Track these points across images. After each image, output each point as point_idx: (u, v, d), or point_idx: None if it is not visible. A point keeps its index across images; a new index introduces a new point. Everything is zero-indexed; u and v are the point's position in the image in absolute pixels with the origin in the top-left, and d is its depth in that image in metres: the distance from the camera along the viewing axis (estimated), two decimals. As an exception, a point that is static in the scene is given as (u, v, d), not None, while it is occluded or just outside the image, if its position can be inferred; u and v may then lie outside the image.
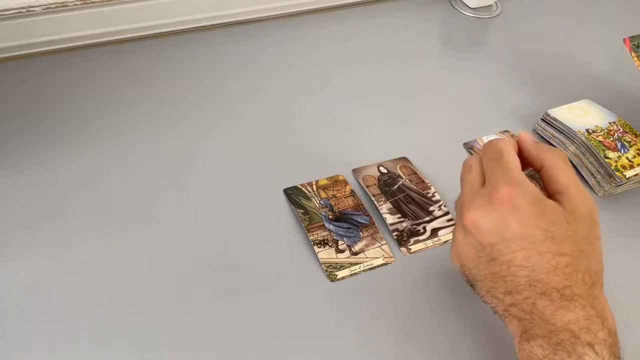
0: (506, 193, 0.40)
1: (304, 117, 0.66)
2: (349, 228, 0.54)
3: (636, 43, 0.62)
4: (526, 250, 0.39)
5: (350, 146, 0.63)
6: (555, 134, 0.64)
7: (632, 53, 0.62)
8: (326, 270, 0.51)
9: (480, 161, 0.45)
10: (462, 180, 0.45)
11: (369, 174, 0.60)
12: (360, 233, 0.54)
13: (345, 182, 0.59)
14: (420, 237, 0.55)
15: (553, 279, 0.38)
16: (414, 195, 0.58)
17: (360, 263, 0.52)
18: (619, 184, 0.59)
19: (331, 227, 0.54)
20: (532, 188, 0.41)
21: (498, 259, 0.40)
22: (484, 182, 0.43)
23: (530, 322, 0.39)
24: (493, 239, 0.40)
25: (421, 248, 0.54)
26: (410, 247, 0.54)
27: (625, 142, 0.61)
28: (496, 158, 0.42)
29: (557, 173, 0.42)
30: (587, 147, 0.61)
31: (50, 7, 0.67)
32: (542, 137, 0.65)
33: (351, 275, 0.51)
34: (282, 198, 0.57)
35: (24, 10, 0.66)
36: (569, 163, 0.43)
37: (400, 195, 0.58)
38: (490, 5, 0.87)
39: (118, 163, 0.59)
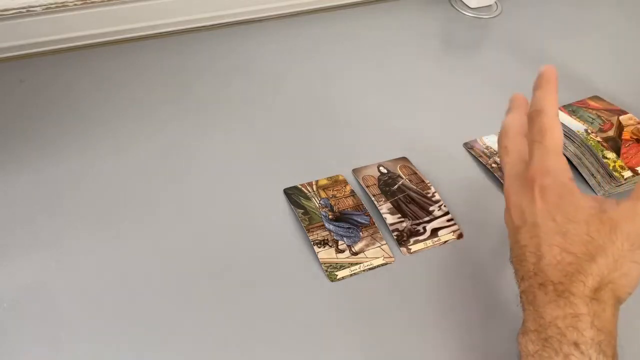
0: (537, 181, 0.41)
1: (303, 117, 0.66)
2: (349, 228, 0.55)
3: (571, 109, 0.65)
4: (538, 238, 0.40)
5: (350, 146, 0.63)
6: (555, 134, 0.64)
7: (572, 117, 0.64)
8: (326, 270, 0.51)
9: (515, 140, 0.46)
10: (501, 161, 0.46)
11: (369, 174, 0.60)
12: (360, 233, 0.54)
13: (345, 182, 0.59)
14: (420, 237, 0.55)
15: (553, 272, 0.39)
16: (414, 195, 0.58)
17: (360, 263, 0.52)
18: (619, 184, 0.59)
19: (331, 227, 0.54)
20: (564, 180, 0.41)
21: (519, 243, 0.42)
22: (523, 161, 0.44)
23: (528, 314, 0.39)
24: (519, 222, 0.42)
25: (421, 248, 0.54)
26: (410, 247, 0.54)
27: None
28: (538, 140, 0.43)
29: None
30: (587, 147, 0.61)
31: (50, 7, 0.67)
32: (542, 137, 0.65)
33: (351, 275, 0.51)
34: (282, 198, 0.57)
35: (24, 10, 0.66)
36: None
37: (400, 195, 0.58)
38: (490, 5, 0.87)
39: (117, 163, 0.59)
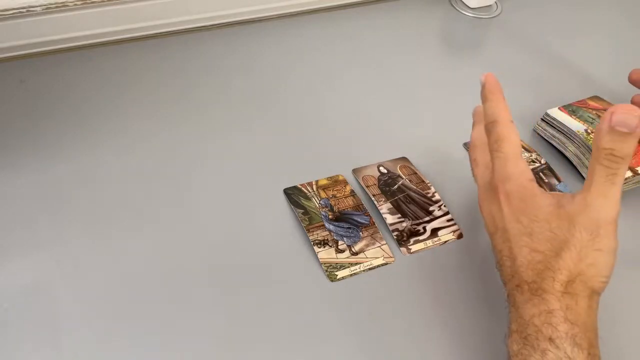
0: (500, 188, 0.43)
1: (303, 117, 0.66)
2: (349, 228, 0.55)
3: (571, 109, 0.65)
4: (509, 242, 0.42)
5: (350, 146, 0.63)
6: (555, 134, 0.64)
7: (572, 117, 0.64)
8: (326, 270, 0.51)
9: (483, 151, 0.48)
10: (473, 174, 0.49)
11: (369, 174, 0.60)
12: (360, 233, 0.54)
13: (345, 182, 0.59)
14: (420, 237, 0.55)
15: (526, 272, 0.40)
16: (414, 195, 0.58)
17: (360, 263, 0.52)
18: (619, 184, 0.59)
19: (331, 227, 0.54)
20: (524, 182, 0.43)
21: (496, 248, 0.44)
22: (490, 171, 0.46)
23: (511, 316, 0.41)
24: (492, 229, 0.44)
25: (421, 248, 0.54)
26: (410, 247, 0.54)
27: None
28: (495, 149, 0.44)
29: (593, 171, 0.40)
30: (587, 147, 0.61)
31: (50, 7, 0.67)
32: (542, 137, 0.65)
33: (351, 275, 0.51)
34: (282, 198, 0.57)
35: (24, 10, 0.66)
36: (616, 169, 0.39)
37: (400, 195, 0.58)
38: (490, 5, 0.87)
39: (118, 163, 0.59)
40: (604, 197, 0.39)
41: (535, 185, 0.43)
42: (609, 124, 0.37)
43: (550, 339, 0.37)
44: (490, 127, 0.45)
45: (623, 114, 0.37)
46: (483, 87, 0.47)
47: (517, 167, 0.43)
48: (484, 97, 0.47)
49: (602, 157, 0.39)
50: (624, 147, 0.38)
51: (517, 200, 0.42)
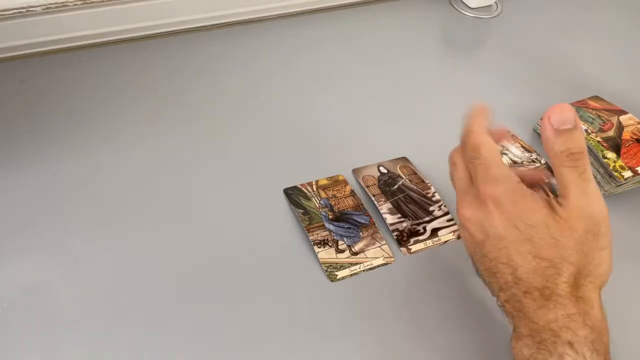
0: (488, 193, 0.41)
1: (304, 117, 0.66)
2: (349, 228, 0.55)
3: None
4: (507, 249, 0.40)
5: (350, 146, 0.63)
6: (555, 134, 0.64)
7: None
8: (326, 270, 0.51)
9: (463, 156, 0.45)
10: (451, 178, 0.46)
11: (369, 174, 0.60)
12: (360, 233, 0.54)
13: (345, 182, 0.59)
14: (420, 237, 0.55)
15: (534, 278, 0.39)
16: (414, 195, 0.58)
17: (360, 263, 0.52)
18: (619, 184, 0.59)
19: (331, 227, 0.54)
20: (513, 185, 0.41)
21: (487, 256, 0.42)
22: (471, 177, 0.44)
23: (518, 320, 0.40)
24: (481, 236, 0.42)
25: (421, 248, 0.54)
26: (410, 247, 0.54)
27: None
28: (474, 157, 0.43)
29: (562, 175, 0.40)
30: (587, 147, 0.61)
31: (50, 7, 0.67)
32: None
33: (351, 275, 0.51)
34: (282, 198, 0.57)
35: (24, 10, 0.66)
36: (582, 165, 0.39)
37: (400, 195, 0.58)
38: (490, 5, 0.87)
39: (118, 163, 0.59)
40: (587, 196, 0.39)
41: (524, 186, 0.42)
42: (552, 129, 0.39)
43: (570, 343, 0.37)
44: (465, 136, 0.44)
45: (559, 114, 0.39)
46: (468, 110, 0.46)
47: (502, 169, 0.42)
48: (465, 116, 0.46)
49: (563, 160, 0.39)
50: (577, 141, 0.39)
51: (510, 204, 0.41)
